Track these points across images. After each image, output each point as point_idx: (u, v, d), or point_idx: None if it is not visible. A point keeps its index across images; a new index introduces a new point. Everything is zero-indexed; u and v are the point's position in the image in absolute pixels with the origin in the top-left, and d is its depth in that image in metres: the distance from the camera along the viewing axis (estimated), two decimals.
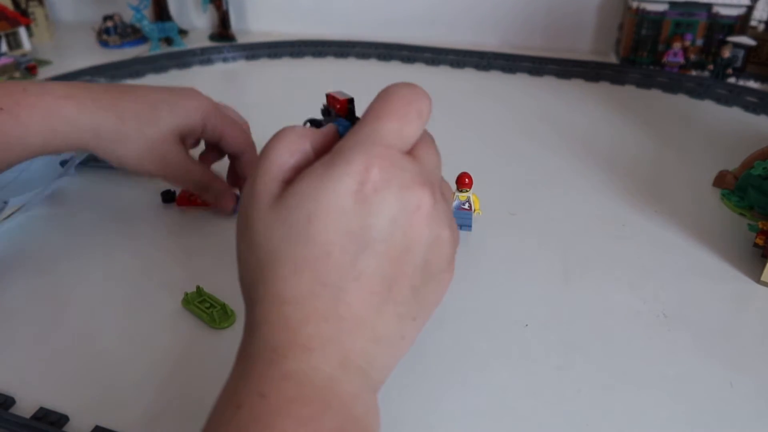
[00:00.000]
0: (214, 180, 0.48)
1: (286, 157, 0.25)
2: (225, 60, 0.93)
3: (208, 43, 1.00)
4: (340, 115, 0.30)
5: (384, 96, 0.25)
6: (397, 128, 0.25)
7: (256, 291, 0.24)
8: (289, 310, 0.24)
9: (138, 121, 0.43)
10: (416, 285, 0.25)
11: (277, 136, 0.26)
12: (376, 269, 0.24)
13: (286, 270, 0.24)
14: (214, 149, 0.51)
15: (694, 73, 0.83)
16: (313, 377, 0.23)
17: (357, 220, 0.24)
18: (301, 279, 0.24)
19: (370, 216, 0.24)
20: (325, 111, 0.34)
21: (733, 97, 0.75)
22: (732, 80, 0.80)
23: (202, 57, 0.92)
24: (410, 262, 0.25)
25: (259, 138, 0.40)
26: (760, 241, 0.44)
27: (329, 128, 0.27)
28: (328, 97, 0.31)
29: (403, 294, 0.25)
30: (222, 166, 0.52)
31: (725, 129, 0.69)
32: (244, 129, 0.50)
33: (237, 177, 0.51)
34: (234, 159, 0.50)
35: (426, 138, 0.27)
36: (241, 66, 0.92)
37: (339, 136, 0.27)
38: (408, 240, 0.24)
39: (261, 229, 0.24)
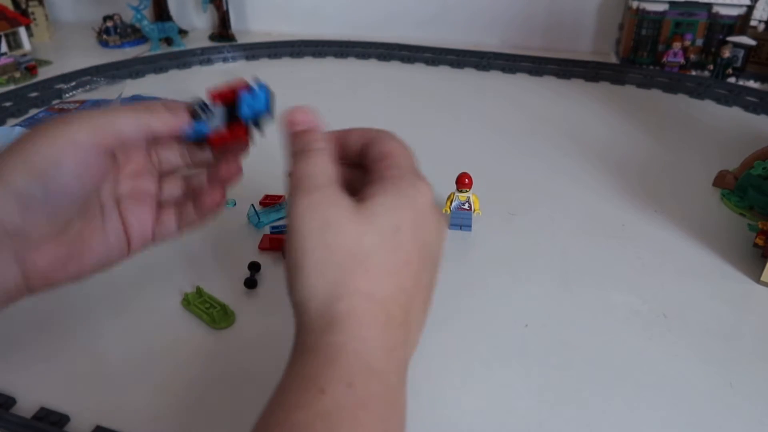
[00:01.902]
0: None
1: (332, 168, 0.29)
2: (225, 60, 0.93)
3: (208, 43, 1.00)
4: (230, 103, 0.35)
5: (391, 142, 0.32)
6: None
7: (342, 287, 0.25)
8: (377, 309, 0.26)
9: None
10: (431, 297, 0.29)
11: (308, 155, 0.29)
12: (430, 282, 0.28)
13: (377, 272, 0.26)
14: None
15: (694, 73, 0.83)
16: (390, 378, 0.25)
17: (425, 235, 0.28)
18: (389, 282, 0.26)
19: (431, 232, 0.28)
20: (201, 109, 0.34)
21: (733, 97, 0.75)
22: (732, 80, 0.80)
23: (202, 57, 0.92)
24: (435, 277, 0.29)
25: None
26: (760, 241, 0.44)
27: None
28: (217, 94, 0.35)
29: (430, 306, 0.29)
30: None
31: (725, 129, 0.69)
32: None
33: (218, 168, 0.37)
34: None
35: None
36: (241, 66, 0.92)
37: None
38: (438, 257, 0.29)
39: (351, 233, 0.26)
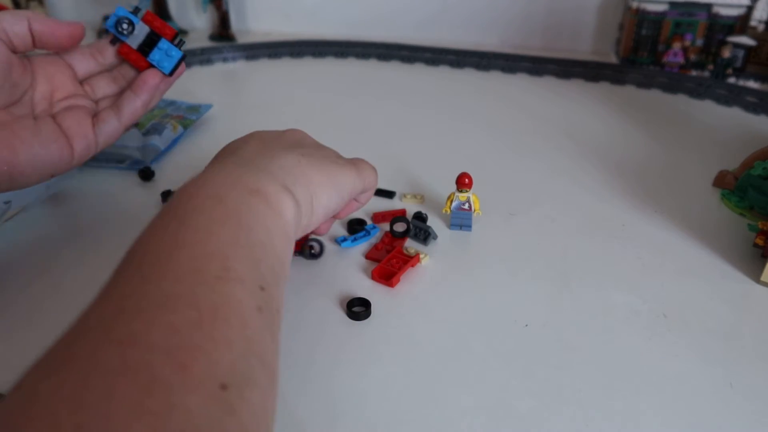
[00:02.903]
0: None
1: None
2: (225, 60, 0.93)
3: (208, 43, 1.00)
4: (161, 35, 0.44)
5: None
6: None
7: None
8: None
9: None
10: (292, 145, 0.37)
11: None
12: (290, 150, 0.36)
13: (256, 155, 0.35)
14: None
15: (694, 73, 0.83)
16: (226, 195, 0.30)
17: (275, 143, 0.37)
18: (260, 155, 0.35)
19: (282, 139, 0.38)
20: (128, 18, 0.43)
21: (733, 97, 0.75)
22: (732, 80, 0.80)
23: (202, 57, 0.92)
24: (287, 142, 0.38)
25: None
26: (760, 241, 0.44)
27: None
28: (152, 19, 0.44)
29: (282, 147, 0.36)
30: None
31: (725, 129, 0.69)
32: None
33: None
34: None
35: None
36: (241, 66, 0.92)
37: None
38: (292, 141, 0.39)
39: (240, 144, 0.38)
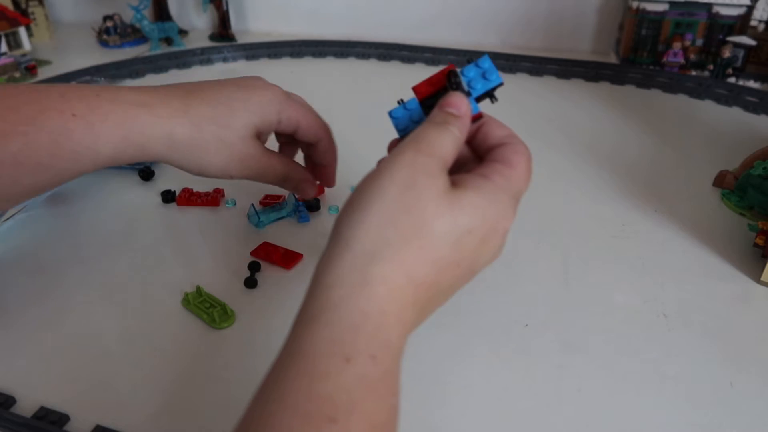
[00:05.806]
0: (295, 170, 0.46)
1: (452, 154, 0.29)
2: (225, 60, 0.93)
3: (208, 43, 1.00)
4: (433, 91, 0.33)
5: (522, 156, 0.32)
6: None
7: (390, 250, 0.25)
8: (409, 291, 0.26)
9: (214, 126, 0.40)
10: None
11: (444, 129, 0.29)
12: (455, 291, 0.30)
13: (428, 256, 0.26)
14: (289, 140, 0.48)
15: (694, 73, 0.83)
16: (400, 355, 0.25)
17: (485, 251, 0.29)
18: (433, 272, 0.26)
19: (490, 253, 0.30)
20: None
21: (733, 97, 0.75)
22: (732, 80, 0.80)
23: (202, 57, 0.92)
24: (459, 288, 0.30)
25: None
26: (760, 241, 0.44)
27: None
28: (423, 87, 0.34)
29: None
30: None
31: (725, 129, 0.69)
32: (317, 115, 0.46)
33: (314, 165, 0.48)
34: (310, 147, 0.47)
35: None
36: (241, 66, 0.92)
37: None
38: (474, 276, 0.31)
39: (429, 208, 0.26)
